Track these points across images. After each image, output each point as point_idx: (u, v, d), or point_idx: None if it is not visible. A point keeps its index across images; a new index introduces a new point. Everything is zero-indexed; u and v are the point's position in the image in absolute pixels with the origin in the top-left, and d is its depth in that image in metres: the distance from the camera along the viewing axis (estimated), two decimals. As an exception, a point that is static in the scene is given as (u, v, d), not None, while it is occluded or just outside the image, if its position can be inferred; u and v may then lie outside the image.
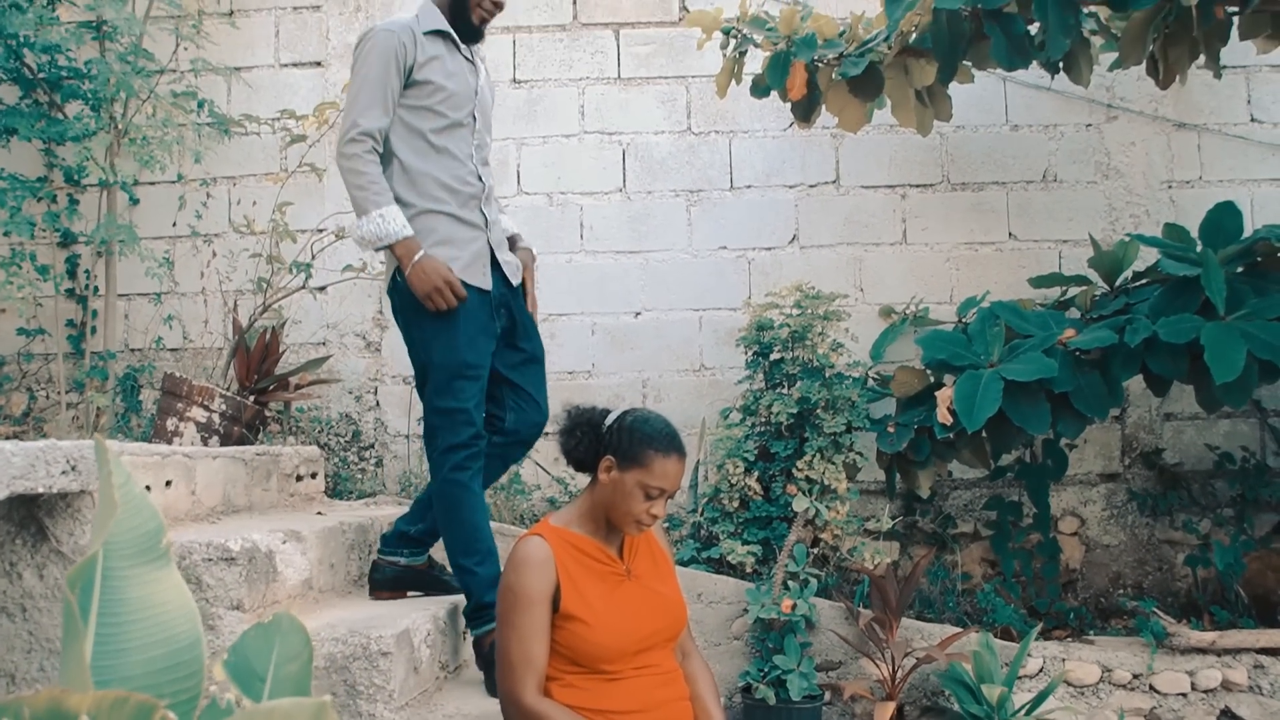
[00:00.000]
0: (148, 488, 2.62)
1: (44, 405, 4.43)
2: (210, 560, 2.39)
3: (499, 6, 2.87)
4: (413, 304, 2.74)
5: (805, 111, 3.86)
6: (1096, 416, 3.50)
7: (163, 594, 1.10)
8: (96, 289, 4.40)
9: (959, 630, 3.49)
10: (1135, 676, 3.45)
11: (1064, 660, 3.47)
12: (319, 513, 3.47)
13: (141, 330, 4.53)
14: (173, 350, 4.51)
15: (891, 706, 3.26)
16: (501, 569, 2.34)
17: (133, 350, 4.53)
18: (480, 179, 2.88)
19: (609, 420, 2.25)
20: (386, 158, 2.80)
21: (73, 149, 4.01)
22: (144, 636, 1.07)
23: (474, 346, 2.77)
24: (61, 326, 4.39)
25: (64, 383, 4.20)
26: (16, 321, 4.37)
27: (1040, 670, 3.46)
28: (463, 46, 2.88)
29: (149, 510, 1.12)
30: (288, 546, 2.65)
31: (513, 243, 3.07)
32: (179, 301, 4.53)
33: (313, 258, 4.19)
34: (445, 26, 2.84)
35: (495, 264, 2.88)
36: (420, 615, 2.68)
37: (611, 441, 2.21)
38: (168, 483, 2.72)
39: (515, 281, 2.95)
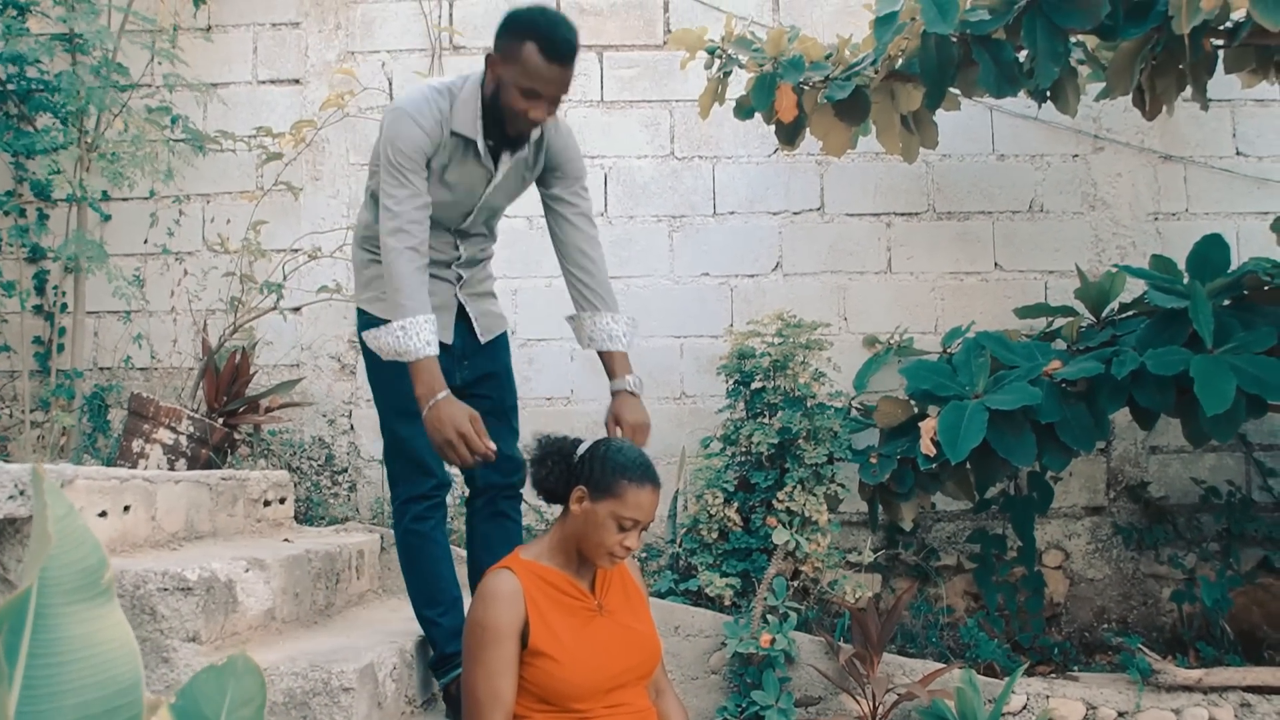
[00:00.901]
0: (104, 513, 2.53)
1: (8, 424, 4.32)
2: (166, 590, 2.30)
3: (535, 125, 2.50)
4: (371, 350, 2.55)
5: (790, 135, 3.80)
6: (1082, 449, 3.45)
7: (104, 632, 1.03)
8: (65, 306, 4.30)
9: (941, 666, 3.41)
10: (1121, 715, 3.38)
11: (1048, 697, 3.40)
12: (286, 539, 3.37)
13: (110, 349, 4.43)
14: (142, 369, 4.41)
15: (872, 745, 3.18)
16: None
17: (101, 369, 4.43)
18: (457, 247, 2.70)
19: (581, 450, 2.18)
20: (367, 205, 2.67)
21: (42, 162, 3.93)
22: (81, 678, 1.01)
23: None
24: (28, 344, 4.28)
25: (29, 401, 4.09)
26: (-20, 338, 4.26)
27: (1024, 708, 3.39)
28: (484, 154, 2.56)
29: (91, 543, 1.05)
30: (250, 575, 2.56)
31: (608, 360, 2.67)
32: (149, 320, 4.43)
33: (285, 278, 4.11)
34: (472, 132, 2.52)
35: (464, 317, 2.74)
36: (386, 649, 2.59)
37: (584, 471, 2.14)
38: (126, 508, 2.63)
39: (485, 339, 2.77)
